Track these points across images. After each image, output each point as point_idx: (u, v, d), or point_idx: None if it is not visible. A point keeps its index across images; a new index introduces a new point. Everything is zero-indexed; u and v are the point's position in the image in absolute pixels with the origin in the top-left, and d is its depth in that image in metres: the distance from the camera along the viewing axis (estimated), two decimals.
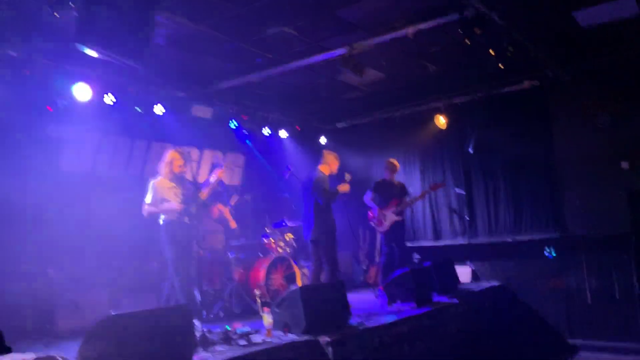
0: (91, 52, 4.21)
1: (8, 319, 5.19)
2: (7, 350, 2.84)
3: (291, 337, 4.22)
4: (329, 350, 4.06)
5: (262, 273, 6.52)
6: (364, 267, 9.11)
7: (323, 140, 9.87)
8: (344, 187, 6.05)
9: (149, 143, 7.65)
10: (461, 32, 5.43)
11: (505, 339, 6.03)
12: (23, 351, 3.54)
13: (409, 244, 8.18)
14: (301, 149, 9.33)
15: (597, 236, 7.34)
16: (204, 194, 5.58)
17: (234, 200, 7.36)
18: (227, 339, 4.10)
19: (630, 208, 7.06)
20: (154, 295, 6.46)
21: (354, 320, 4.79)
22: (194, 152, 8.20)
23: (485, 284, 7.22)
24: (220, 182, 6.01)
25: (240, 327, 4.38)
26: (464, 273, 7.83)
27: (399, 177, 7.97)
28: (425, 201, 8.93)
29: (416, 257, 8.48)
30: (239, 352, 3.73)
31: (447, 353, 5.21)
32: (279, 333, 4.34)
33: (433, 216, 9.12)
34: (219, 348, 3.89)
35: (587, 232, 7.45)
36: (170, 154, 5.46)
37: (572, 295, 7.43)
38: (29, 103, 6.03)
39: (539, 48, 6.68)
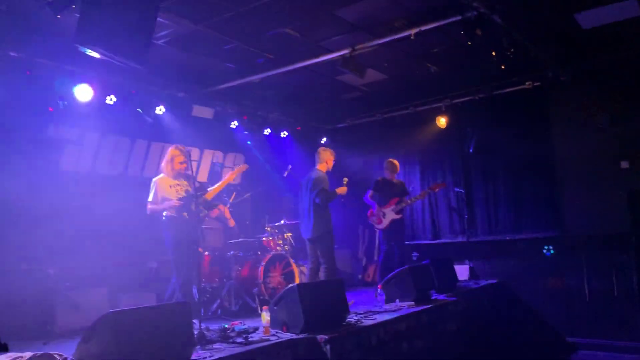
0: (92, 53, 4.23)
1: (8, 318, 5.23)
2: (3, 347, 2.84)
3: (289, 335, 4.22)
4: (327, 348, 4.06)
5: (260, 271, 6.53)
6: (363, 265, 9.13)
7: (324, 140, 9.89)
8: (341, 190, 6.08)
9: (149, 143, 7.68)
10: (462, 33, 5.44)
11: (504, 336, 6.04)
12: (22, 350, 3.56)
13: (408, 242, 8.18)
14: (301, 149, 9.35)
15: (596, 236, 7.35)
16: (211, 193, 5.55)
17: (233, 198, 7.38)
18: (225, 337, 4.10)
19: (630, 208, 7.06)
20: (154, 294, 6.48)
21: (352, 318, 4.79)
22: (195, 152, 8.23)
23: (483, 282, 7.23)
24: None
25: (238, 325, 4.39)
26: (462, 271, 7.84)
27: (399, 177, 7.98)
28: (425, 200, 8.95)
29: (415, 255, 8.49)
30: (237, 350, 3.73)
31: (445, 351, 5.22)
32: (277, 331, 4.35)
33: (432, 215, 9.14)
34: (217, 346, 3.90)
35: (586, 232, 7.46)
36: (170, 152, 5.46)
37: (571, 294, 7.44)
38: (30, 103, 6.06)
39: (540, 48, 6.70)
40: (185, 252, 5.08)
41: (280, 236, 7.39)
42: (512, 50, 6.15)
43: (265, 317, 4.40)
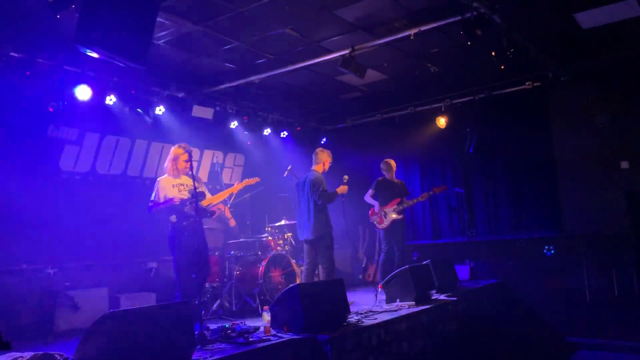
0: (92, 53, 4.23)
1: (8, 318, 5.23)
2: (5, 346, 2.84)
3: (290, 335, 4.22)
4: (327, 348, 4.07)
5: (260, 271, 6.53)
6: (363, 265, 9.13)
7: (324, 141, 9.90)
8: (342, 189, 6.08)
9: (149, 143, 7.68)
10: (462, 33, 5.44)
11: (504, 336, 6.03)
12: (23, 350, 3.56)
13: (408, 242, 8.19)
14: (301, 149, 9.35)
15: (596, 236, 7.35)
16: (207, 201, 5.37)
17: (233, 198, 7.37)
18: (225, 337, 4.10)
19: (630, 208, 7.08)
20: (153, 294, 6.48)
21: (352, 318, 4.80)
22: (195, 152, 8.19)
23: (484, 282, 7.24)
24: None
25: (239, 325, 4.39)
26: (462, 271, 7.84)
27: (399, 176, 7.99)
28: (425, 200, 8.94)
29: (415, 255, 8.49)
30: (237, 350, 3.74)
31: (445, 351, 5.22)
32: (278, 331, 4.35)
33: (433, 215, 9.14)
34: (217, 346, 3.90)
35: (586, 232, 7.47)
36: (173, 151, 5.42)
37: (571, 294, 7.44)
38: (30, 103, 6.06)
39: (539, 48, 6.70)
40: (189, 260, 4.99)
41: (280, 236, 7.39)
42: (512, 50, 6.15)
43: (266, 317, 4.40)
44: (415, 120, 9.17)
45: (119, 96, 6.76)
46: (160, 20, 5.29)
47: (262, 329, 4.36)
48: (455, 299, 5.90)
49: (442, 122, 8.69)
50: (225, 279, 6.67)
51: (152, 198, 5.27)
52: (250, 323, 4.58)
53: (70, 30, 4.26)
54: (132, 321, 3.27)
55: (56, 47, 5.76)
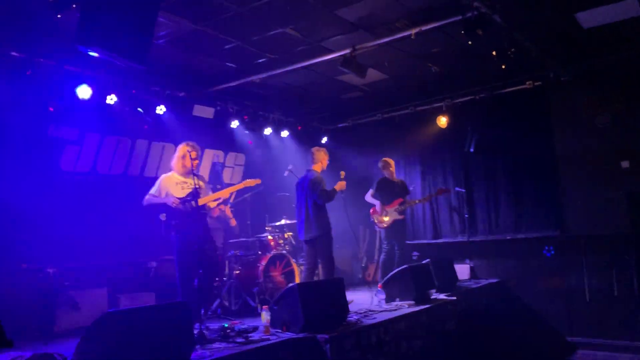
0: (92, 53, 4.23)
1: (8, 318, 5.21)
2: (8, 344, 2.85)
3: (289, 334, 4.22)
4: (327, 347, 4.07)
5: (260, 270, 6.53)
6: (363, 265, 9.13)
7: (324, 140, 9.90)
8: (340, 185, 6.08)
9: (149, 143, 7.68)
10: (463, 33, 5.44)
11: (504, 336, 6.04)
12: (23, 350, 3.57)
13: (408, 242, 8.19)
14: (302, 148, 9.36)
15: (596, 236, 7.34)
16: (202, 200, 5.28)
17: (233, 198, 7.38)
18: (225, 336, 4.11)
19: (630, 208, 7.06)
20: (153, 294, 6.48)
21: (352, 318, 4.80)
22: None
23: (483, 281, 7.23)
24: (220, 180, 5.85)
25: (238, 324, 4.40)
26: (463, 271, 7.85)
27: (399, 176, 7.99)
28: None
29: (415, 254, 8.49)
30: (236, 349, 3.74)
31: (445, 350, 5.22)
32: (277, 330, 4.36)
33: (433, 214, 9.14)
34: (216, 345, 3.90)
35: (587, 232, 7.46)
36: (181, 149, 5.40)
37: (571, 294, 7.44)
38: (30, 103, 6.06)
39: (540, 48, 6.69)
40: (190, 264, 4.98)
41: (280, 235, 7.40)
42: (513, 50, 6.16)
43: (265, 316, 4.41)
44: (416, 119, 9.16)
45: (120, 96, 6.76)
46: (160, 20, 5.29)
47: (261, 328, 4.37)
48: (454, 298, 5.90)
49: (442, 121, 8.69)
50: (225, 278, 6.68)
51: (151, 192, 5.27)
52: (250, 322, 4.60)
53: (70, 30, 4.26)
54: (131, 321, 3.27)
55: (57, 47, 5.76)
